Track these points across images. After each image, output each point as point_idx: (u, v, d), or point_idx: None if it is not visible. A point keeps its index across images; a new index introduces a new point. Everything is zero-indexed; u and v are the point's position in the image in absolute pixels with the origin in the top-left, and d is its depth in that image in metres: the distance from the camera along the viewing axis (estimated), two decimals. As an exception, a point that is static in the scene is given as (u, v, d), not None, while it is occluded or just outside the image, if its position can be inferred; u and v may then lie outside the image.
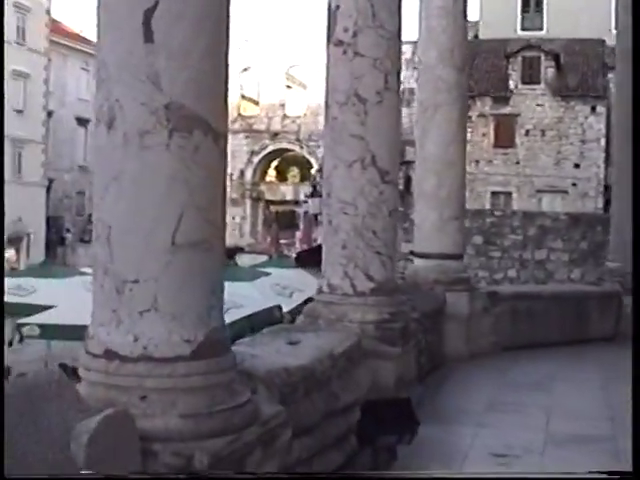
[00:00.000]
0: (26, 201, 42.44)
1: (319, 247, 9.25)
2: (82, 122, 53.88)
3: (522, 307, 12.74)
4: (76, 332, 15.61)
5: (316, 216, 40.85)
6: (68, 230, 49.41)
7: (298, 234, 45.19)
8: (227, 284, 15.55)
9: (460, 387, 10.29)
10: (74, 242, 48.39)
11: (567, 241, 25.46)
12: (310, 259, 19.49)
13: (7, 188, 40.93)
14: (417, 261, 12.25)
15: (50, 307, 16.97)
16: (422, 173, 12.11)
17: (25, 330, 15.93)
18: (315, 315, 7.95)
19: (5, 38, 41.43)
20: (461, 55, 11.88)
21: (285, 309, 16.78)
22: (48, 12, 46.93)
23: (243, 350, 5.52)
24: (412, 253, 12.59)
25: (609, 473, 3.29)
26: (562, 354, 12.08)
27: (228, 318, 14.44)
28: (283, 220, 60.33)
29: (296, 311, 16.77)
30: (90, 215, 52.52)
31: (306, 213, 48.88)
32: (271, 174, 58.39)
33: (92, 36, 59.48)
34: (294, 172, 64.54)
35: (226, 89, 4.51)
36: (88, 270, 22.82)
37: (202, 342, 4.24)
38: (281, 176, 59.75)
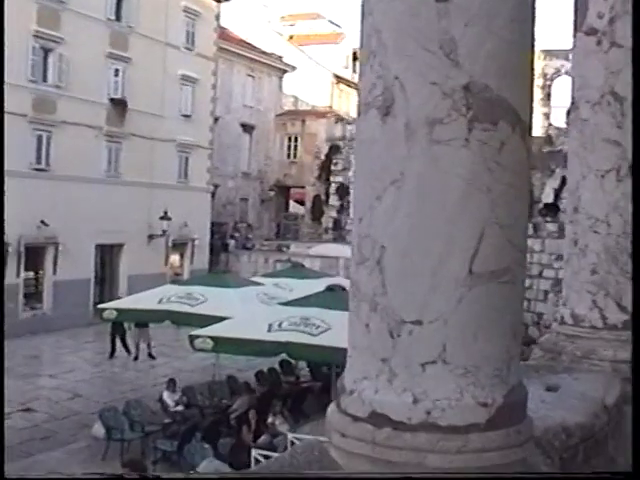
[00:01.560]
0: (192, 207, 42.44)
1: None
2: (247, 128, 53.89)
3: None
4: (251, 347, 14.98)
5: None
6: (232, 237, 49.29)
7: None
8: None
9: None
10: (237, 249, 48.21)
11: None
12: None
13: (174, 193, 41.34)
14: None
15: (223, 319, 16.29)
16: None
17: (198, 343, 15.24)
18: (557, 350, 6.74)
19: (174, 43, 41.63)
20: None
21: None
22: (217, 17, 46.88)
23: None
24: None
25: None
26: None
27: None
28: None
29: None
30: (248, 224, 52.50)
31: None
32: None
33: (258, 43, 59.80)
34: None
35: (532, 68, 3.39)
36: (261, 280, 22.27)
37: (501, 406, 3.14)
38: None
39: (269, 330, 14.46)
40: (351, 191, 53.91)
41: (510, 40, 3.15)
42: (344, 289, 16.36)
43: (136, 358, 28.01)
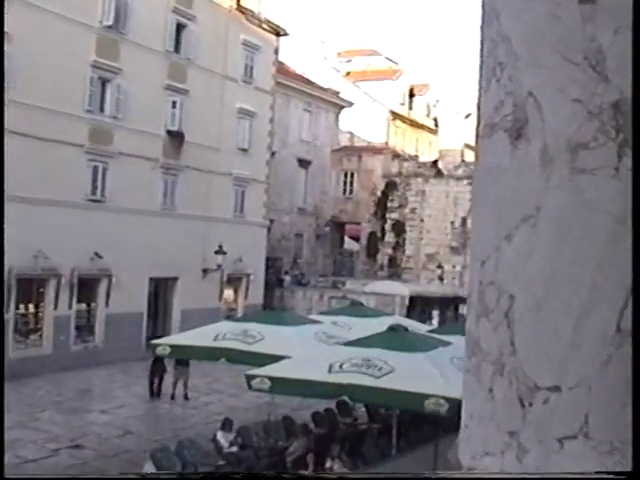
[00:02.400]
0: (247, 241, 42.12)
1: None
2: (303, 163, 53.66)
3: None
4: (311, 388, 14.43)
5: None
6: (287, 272, 48.91)
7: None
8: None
9: None
10: (292, 285, 47.79)
11: None
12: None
13: (230, 227, 41.07)
14: None
15: (280, 358, 15.78)
16: None
17: (255, 383, 14.74)
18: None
19: (233, 76, 41.53)
20: None
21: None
22: (276, 51, 46.83)
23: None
24: None
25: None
26: None
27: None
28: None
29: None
30: (294, 260, 52.05)
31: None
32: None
33: (315, 78, 59.71)
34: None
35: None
36: (319, 318, 21.73)
37: (650, 489, 2.58)
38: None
39: (329, 371, 13.93)
40: (407, 228, 53.41)
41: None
42: (406, 329, 15.85)
43: (172, 397, 27.58)
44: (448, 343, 15.23)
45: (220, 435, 17.59)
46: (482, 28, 2.89)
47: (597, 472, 2.60)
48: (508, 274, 2.62)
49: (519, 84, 2.62)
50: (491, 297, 2.67)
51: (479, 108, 2.91)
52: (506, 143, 2.64)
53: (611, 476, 2.50)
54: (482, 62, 2.87)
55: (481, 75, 2.88)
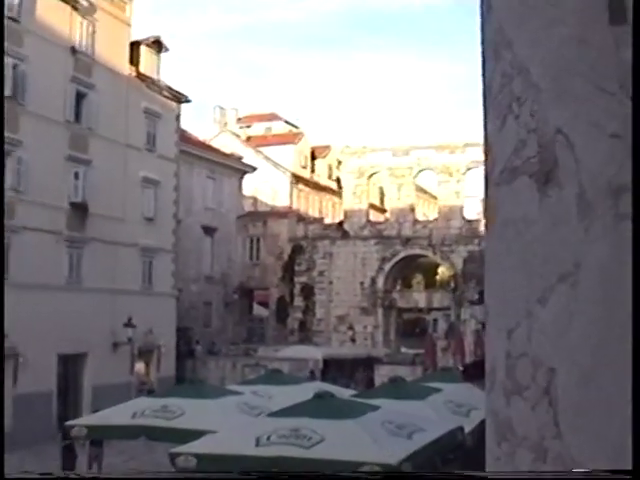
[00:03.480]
0: (157, 312, 41.36)
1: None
2: (208, 231, 53.21)
3: None
4: (239, 463, 13.84)
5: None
6: (197, 342, 48.13)
7: (440, 343, 42.90)
8: (399, 402, 13.27)
9: None
10: (204, 354, 47.03)
11: None
12: (478, 372, 17.55)
13: (139, 299, 40.24)
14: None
15: (203, 433, 15.16)
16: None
17: (180, 461, 14.07)
18: None
19: (135, 144, 41.06)
20: None
21: (466, 430, 14.82)
22: (178, 118, 46.48)
23: None
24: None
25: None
26: None
27: (414, 444, 12.27)
28: (406, 328, 58.73)
29: (477, 432, 14.77)
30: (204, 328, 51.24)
31: (451, 322, 47.17)
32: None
33: (217, 144, 59.47)
34: (418, 279, 63.14)
35: None
36: (238, 389, 21.13)
37: None
38: (405, 283, 57.95)
39: (257, 444, 13.35)
40: (316, 291, 53.15)
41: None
42: (332, 395, 15.43)
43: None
44: (376, 407, 14.82)
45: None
46: (485, 63, 2.52)
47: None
48: (545, 344, 2.23)
49: (544, 120, 2.25)
50: (525, 372, 2.27)
51: (486, 153, 2.54)
52: (532, 190, 2.26)
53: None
54: (489, 100, 2.49)
55: (487, 115, 2.51)
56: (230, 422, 15.75)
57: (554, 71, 2.26)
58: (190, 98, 47.91)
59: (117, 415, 17.99)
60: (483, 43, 2.55)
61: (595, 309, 2.15)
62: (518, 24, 2.38)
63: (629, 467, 2.14)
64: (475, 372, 20.47)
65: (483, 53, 2.55)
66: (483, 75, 2.54)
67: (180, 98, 46.81)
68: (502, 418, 2.37)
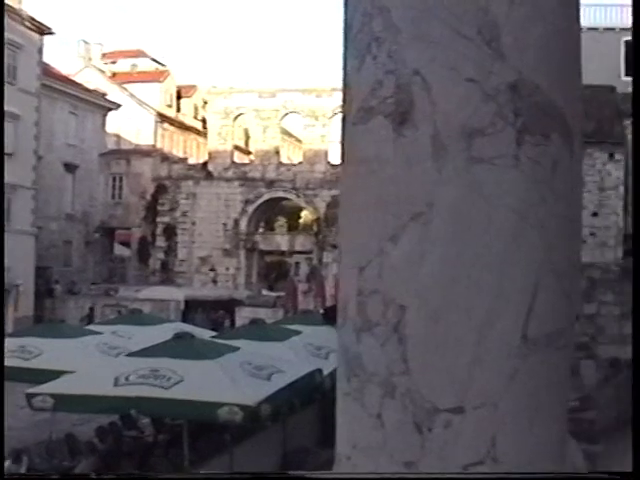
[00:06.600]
0: (15, 250, 40.27)
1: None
2: (70, 168, 52.05)
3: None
4: (98, 404, 13.72)
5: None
6: (57, 281, 47.22)
7: (302, 286, 43.20)
8: (259, 344, 13.40)
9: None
10: (63, 294, 46.21)
11: (618, 294, 23.55)
12: (338, 315, 17.79)
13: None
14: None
15: (61, 373, 14.95)
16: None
17: (37, 401, 13.87)
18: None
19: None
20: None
21: (325, 372, 15.02)
22: (40, 51, 45.08)
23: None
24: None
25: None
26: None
27: (272, 386, 12.40)
28: (269, 271, 58.96)
29: (335, 374, 14.98)
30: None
31: (313, 265, 47.44)
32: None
33: (80, 79, 58.06)
34: (281, 222, 63.26)
35: (580, 66, 2.59)
36: (98, 328, 20.90)
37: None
38: (268, 226, 58.01)
39: (116, 384, 13.22)
40: (178, 232, 52.79)
41: (559, 28, 2.36)
42: (193, 336, 15.41)
43: None
44: (236, 348, 14.87)
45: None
46: (347, 2, 2.52)
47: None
48: (396, 281, 2.27)
49: (402, 62, 2.27)
50: (375, 309, 2.31)
51: (344, 93, 2.54)
52: (388, 130, 2.29)
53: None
54: (349, 39, 2.49)
55: (347, 54, 2.51)
56: (89, 362, 15.59)
57: (414, 13, 2.27)
58: (54, 30, 46.53)
59: (-29, 355, 17.58)
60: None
61: (445, 248, 2.21)
62: (381, -36, 2.38)
63: (477, 403, 2.21)
64: (335, 315, 20.61)
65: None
66: (345, 13, 2.54)
67: (43, 30, 45.31)
68: (352, 354, 2.41)
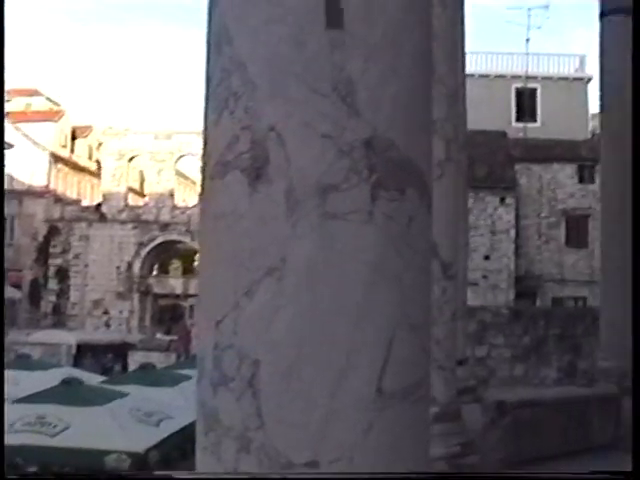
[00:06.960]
0: None
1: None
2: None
3: (526, 417, 10.85)
4: (-21, 452, 13.38)
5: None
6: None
7: (194, 330, 42.85)
8: (149, 389, 13.23)
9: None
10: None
11: (509, 336, 23.97)
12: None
13: None
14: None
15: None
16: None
17: None
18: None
19: None
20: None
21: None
22: None
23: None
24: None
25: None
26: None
27: (161, 432, 12.26)
28: (162, 314, 58.46)
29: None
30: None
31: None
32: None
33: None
34: (176, 265, 62.84)
35: (430, 119, 2.65)
36: None
37: None
38: (162, 269, 57.57)
39: (1, 432, 12.91)
40: (71, 275, 52.00)
41: (414, 85, 2.41)
42: (81, 382, 15.15)
43: None
44: (125, 394, 14.66)
45: None
46: (208, 57, 2.54)
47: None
48: (251, 336, 2.27)
49: (258, 118, 2.29)
50: (231, 363, 2.30)
51: (205, 145, 2.55)
52: (243, 185, 2.30)
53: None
54: (209, 94, 2.51)
55: (207, 108, 2.52)
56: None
57: (270, 69, 2.30)
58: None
59: None
60: (209, 35, 2.56)
61: (299, 304, 2.22)
62: (240, 20, 2.40)
63: (332, 458, 2.22)
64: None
65: (208, 46, 2.56)
66: (206, 67, 2.56)
67: None
68: (209, 408, 2.40)
